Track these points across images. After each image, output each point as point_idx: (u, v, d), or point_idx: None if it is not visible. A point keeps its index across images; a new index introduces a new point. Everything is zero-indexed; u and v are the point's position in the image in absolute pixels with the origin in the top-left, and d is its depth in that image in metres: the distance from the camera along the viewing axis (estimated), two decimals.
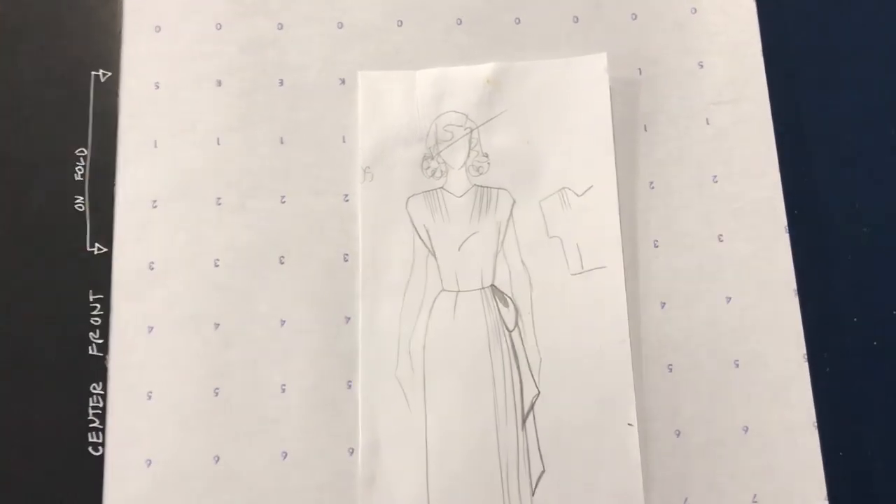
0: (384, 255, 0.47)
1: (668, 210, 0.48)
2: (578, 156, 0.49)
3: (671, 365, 0.46)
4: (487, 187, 0.49)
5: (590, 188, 0.48)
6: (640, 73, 0.51)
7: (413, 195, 0.48)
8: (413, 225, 0.48)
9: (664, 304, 0.47)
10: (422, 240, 0.48)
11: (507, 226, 0.48)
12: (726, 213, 0.48)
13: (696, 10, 0.51)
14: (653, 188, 0.49)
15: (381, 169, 0.48)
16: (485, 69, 0.49)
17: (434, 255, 0.47)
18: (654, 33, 0.51)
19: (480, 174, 0.49)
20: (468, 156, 0.49)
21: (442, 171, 0.49)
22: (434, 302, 0.47)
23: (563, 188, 0.48)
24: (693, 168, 0.49)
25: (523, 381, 0.46)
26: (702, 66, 0.51)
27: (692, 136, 0.50)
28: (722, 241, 0.48)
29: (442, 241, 0.48)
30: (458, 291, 0.47)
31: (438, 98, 0.49)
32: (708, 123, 0.50)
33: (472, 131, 0.49)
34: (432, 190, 0.48)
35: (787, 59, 0.51)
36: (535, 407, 0.46)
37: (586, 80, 0.49)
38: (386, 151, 0.48)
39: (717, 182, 0.49)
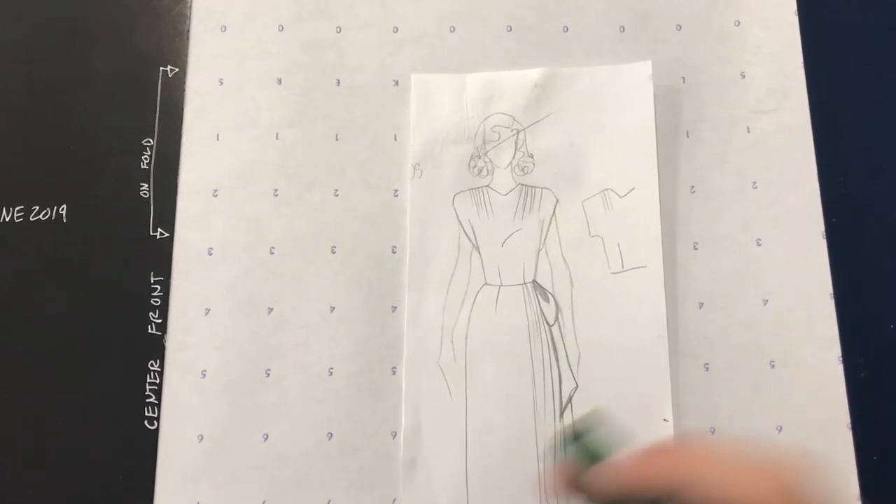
0: (430, 248, 0.50)
1: (708, 214, 0.51)
2: (621, 159, 0.51)
3: (707, 364, 0.48)
4: (532, 186, 0.51)
5: (632, 190, 0.51)
6: (684, 81, 0.53)
7: (460, 192, 0.51)
8: (459, 220, 0.51)
9: (702, 304, 0.49)
10: (467, 235, 0.50)
11: (549, 224, 0.51)
12: (765, 219, 0.50)
13: (739, 23, 0.54)
14: (694, 192, 0.51)
15: (430, 166, 0.51)
16: (533, 74, 0.53)
17: (478, 249, 0.50)
18: (697, 44, 0.54)
19: (525, 174, 0.52)
20: (514, 156, 0.52)
21: (488, 170, 0.52)
22: (477, 295, 0.49)
23: (606, 189, 0.51)
24: (733, 174, 0.52)
25: (562, 374, 0.48)
26: (744, 77, 0.53)
27: (733, 143, 0.52)
28: (760, 245, 0.50)
29: (486, 237, 0.50)
30: (501, 286, 0.49)
31: (487, 100, 0.52)
32: (749, 131, 0.52)
33: (518, 133, 0.52)
34: (478, 188, 0.51)
35: (827, 70, 0.53)
36: (573, 399, 0.48)
37: (631, 87, 0.52)
38: (435, 150, 0.52)
39: (756, 188, 0.51)
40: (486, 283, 0.49)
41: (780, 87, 0.53)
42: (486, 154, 0.51)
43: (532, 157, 0.51)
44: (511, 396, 0.48)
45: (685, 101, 0.53)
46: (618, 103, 0.52)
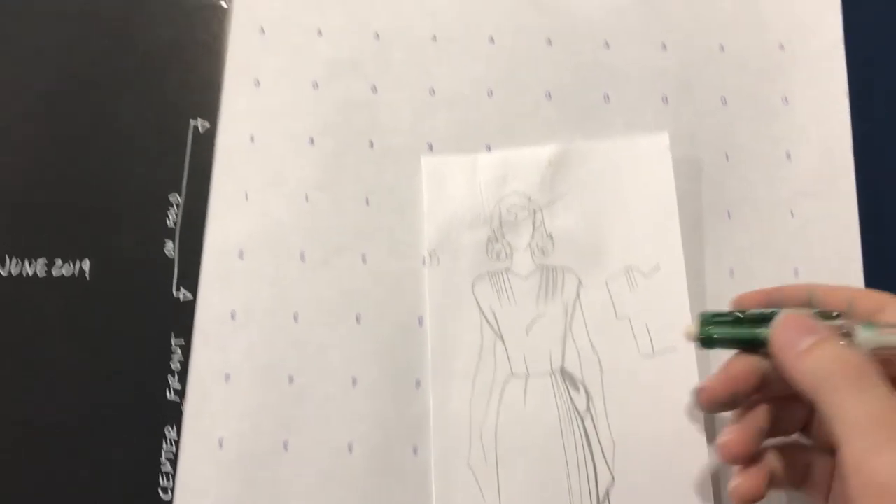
0: (452, 340, 0.49)
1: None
2: (643, 235, 0.50)
3: None
4: (553, 268, 0.50)
5: (657, 268, 0.49)
6: (727, 158, 0.52)
7: (479, 277, 0.50)
8: (480, 309, 0.49)
9: None
10: (489, 324, 0.49)
11: (574, 307, 0.49)
12: None
13: (787, 101, 0.53)
14: (733, 276, 0.50)
15: (446, 253, 0.50)
16: (546, 151, 0.51)
17: (502, 339, 0.49)
18: (743, 120, 0.53)
19: (545, 255, 0.50)
20: (532, 237, 0.50)
21: (507, 253, 0.50)
22: (504, 387, 0.48)
23: (630, 268, 0.50)
24: (775, 259, 0.50)
25: (597, 467, 0.47)
26: (790, 157, 0.52)
27: (776, 226, 0.51)
28: None
29: (509, 325, 0.49)
30: (528, 376, 0.48)
31: (501, 181, 0.51)
32: (793, 215, 0.51)
33: (535, 213, 0.51)
34: (497, 272, 0.50)
35: (877, 156, 0.51)
36: (611, 494, 0.46)
37: (649, 160, 0.51)
38: (451, 235, 0.50)
39: (797, 276, 0.50)
40: (513, 374, 0.48)
41: (828, 171, 0.51)
42: (503, 236, 0.50)
43: (551, 237, 0.50)
44: (546, 494, 0.47)
45: (728, 179, 0.52)
46: (636, 177, 0.51)
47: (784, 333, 0.36)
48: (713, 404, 0.40)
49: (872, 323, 0.35)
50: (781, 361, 0.36)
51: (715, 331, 0.41)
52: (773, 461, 0.39)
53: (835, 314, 0.37)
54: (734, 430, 0.39)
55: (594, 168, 0.51)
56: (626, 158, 0.51)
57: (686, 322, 0.47)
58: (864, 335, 0.35)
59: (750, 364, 0.39)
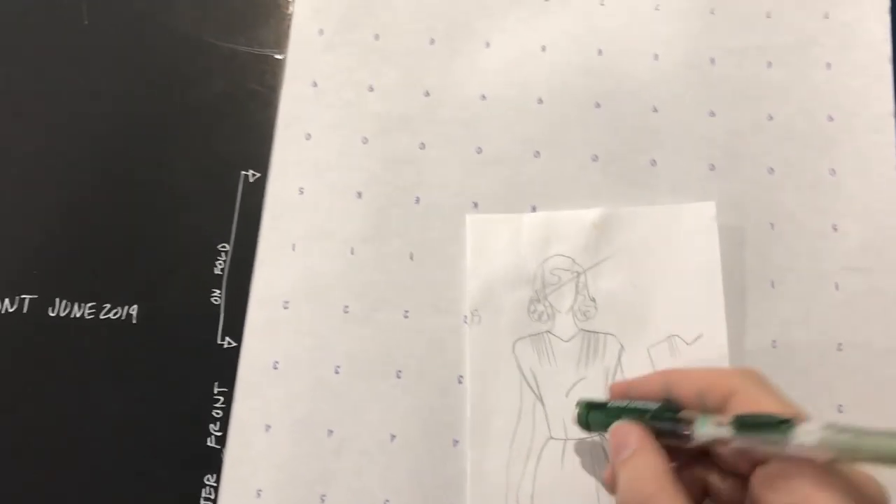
0: (492, 401, 0.49)
1: (790, 372, 0.50)
2: (687, 303, 0.50)
3: None
4: (595, 332, 0.50)
5: (699, 337, 0.50)
6: (773, 227, 0.52)
7: (520, 339, 0.50)
8: (520, 369, 0.50)
9: None
10: (529, 385, 0.49)
11: (615, 372, 0.50)
12: (848, 385, 0.49)
13: (834, 172, 0.53)
14: (775, 347, 0.50)
15: (488, 312, 0.51)
16: (591, 214, 0.52)
17: (542, 401, 0.49)
18: (789, 190, 0.53)
19: (587, 319, 0.51)
20: (575, 300, 0.51)
21: (549, 315, 0.51)
22: (542, 450, 0.48)
23: (672, 335, 0.50)
24: (817, 332, 0.50)
25: None
26: (836, 229, 0.52)
27: (819, 299, 0.51)
28: (842, 412, 0.49)
29: (549, 387, 0.49)
30: (566, 439, 0.48)
31: (545, 242, 0.52)
32: (837, 289, 0.51)
33: (578, 276, 0.51)
34: (539, 333, 0.50)
35: None
36: None
37: (694, 228, 0.51)
38: (493, 295, 0.51)
39: (841, 350, 0.50)
40: (552, 438, 0.48)
41: (874, 246, 0.51)
42: (545, 298, 0.51)
43: (594, 301, 0.51)
44: None
45: (773, 249, 0.52)
46: (681, 245, 0.51)
47: (612, 443, 0.40)
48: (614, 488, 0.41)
49: (707, 416, 0.37)
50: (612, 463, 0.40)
51: (591, 417, 0.44)
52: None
53: (678, 415, 0.39)
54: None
55: (639, 233, 0.51)
56: (671, 225, 0.51)
57: None
58: (698, 431, 0.37)
59: None
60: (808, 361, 0.50)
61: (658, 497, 0.35)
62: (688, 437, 0.38)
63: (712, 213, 0.51)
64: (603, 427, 0.43)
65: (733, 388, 0.38)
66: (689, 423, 0.38)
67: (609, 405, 0.43)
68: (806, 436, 0.33)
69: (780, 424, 0.34)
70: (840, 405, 0.49)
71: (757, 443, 0.35)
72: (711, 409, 0.38)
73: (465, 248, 0.52)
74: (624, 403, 0.42)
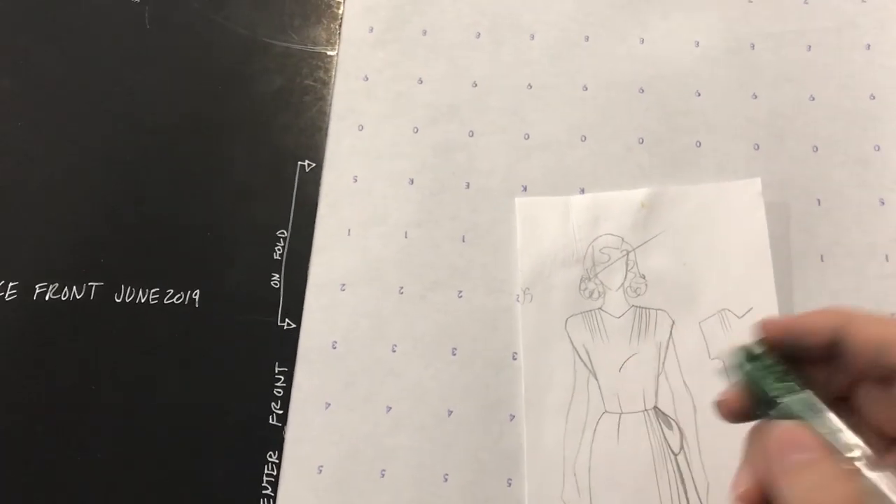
0: (546, 376, 0.51)
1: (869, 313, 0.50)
2: (736, 278, 0.51)
3: None
4: (646, 308, 0.52)
5: (750, 310, 0.51)
6: (819, 203, 0.53)
7: (572, 315, 0.52)
8: (573, 345, 0.51)
9: None
10: (582, 361, 0.51)
11: (667, 347, 0.51)
12: None
13: (879, 148, 0.54)
14: None
15: (539, 290, 0.52)
16: (638, 194, 0.53)
17: (595, 376, 0.50)
18: (834, 166, 0.54)
19: (638, 295, 0.52)
20: (625, 277, 0.52)
21: (600, 293, 0.52)
22: (597, 424, 0.49)
23: (723, 310, 0.51)
24: (869, 303, 0.51)
25: None
26: (883, 203, 0.53)
27: (869, 271, 0.52)
28: None
29: (602, 362, 0.51)
30: (621, 413, 0.49)
31: (594, 222, 0.53)
32: (887, 260, 0.52)
33: (628, 254, 0.53)
34: (591, 311, 0.52)
35: None
36: None
37: (741, 205, 0.53)
38: (544, 273, 0.52)
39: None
40: (606, 411, 0.49)
41: None
42: (596, 276, 0.52)
43: (644, 277, 0.52)
44: None
45: (821, 224, 0.53)
46: (728, 221, 0.52)
47: (776, 444, 0.32)
48: (735, 416, 0.36)
49: (883, 466, 0.30)
50: (771, 471, 0.31)
51: (748, 368, 0.35)
52: None
53: (853, 450, 0.31)
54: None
55: (686, 211, 0.53)
56: (718, 202, 0.53)
57: None
58: (867, 478, 0.30)
59: None
60: None
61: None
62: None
63: (758, 189, 0.52)
64: (758, 386, 0.34)
65: None
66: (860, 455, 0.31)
67: (772, 368, 0.35)
68: None
69: None
70: None
71: None
72: (887, 369, 0.32)
73: (514, 231, 0.54)
74: (789, 383, 0.34)
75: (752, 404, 0.35)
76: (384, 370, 0.52)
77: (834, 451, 0.30)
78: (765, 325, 0.36)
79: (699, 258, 0.51)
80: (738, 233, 0.51)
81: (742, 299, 0.50)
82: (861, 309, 0.34)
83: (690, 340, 0.50)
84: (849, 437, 0.31)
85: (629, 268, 0.52)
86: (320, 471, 0.50)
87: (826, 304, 0.49)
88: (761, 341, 0.35)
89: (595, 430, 0.49)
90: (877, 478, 0.29)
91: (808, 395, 0.33)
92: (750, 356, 0.35)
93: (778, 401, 0.33)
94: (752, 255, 0.51)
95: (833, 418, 0.32)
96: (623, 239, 0.52)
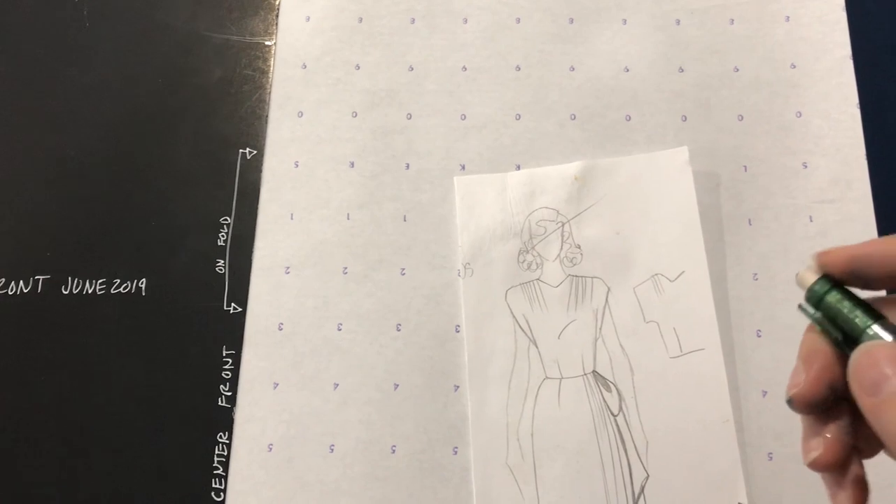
0: (488, 346, 0.52)
1: (771, 302, 0.52)
2: (668, 243, 0.54)
3: (771, 453, 0.49)
4: (582, 276, 0.54)
5: (681, 274, 0.53)
6: (746, 170, 0.56)
7: (511, 287, 0.54)
8: (513, 315, 0.53)
9: (765, 392, 0.50)
10: (522, 330, 0.53)
11: (603, 313, 0.53)
12: None
13: (800, 114, 0.56)
14: (756, 280, 0.53)
15: (480, 265, 0.54)
16: (572, 167, 0.55)
17: (535, 344, 0.52)
18: (759, 134, 0.56)
19: (574, 265, 0.54)
20: (561, 248, 0.54)
21: (537, 264, 0.54)
22: (538, 389, 0.51)
23: (656, 274, 0.53)
24: (796, 263, 0.53)
25: (631, 464, 0.49)
26: (806, 167, 0.55)
27: (796, 232, 0.54)
28: None
29: (542, 330, 0.52)
30: (561, 378, 0.51)
31: (530, 196, 0.55)
32: (811, 221, 0.54)
33: (563, 225, 0.55)
34: (529, 282, 0.54)
35: (890, 162, 0.55)
36: (646, 490, 0.49)
37: (670, 173, 0.55)
38: (483, 248, 0.54)
39: None
40: (547, 377, 0.51)
41: (843, 178, 0.55)
42: (533, 248, 0.54)
43: (579, 247, 0.54)
44: (583, 492, 0.49)
45: (748, 190, 0.55)
46: (659, 190, 0.55)
47: (862, 371, 0.28)
48: (810, 407, 0.31)
49: None
50: (860, 402, 0.28)
51: (831, 296, 0.31)
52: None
53: None
54: (820, 442, 0.30)
55: (618, 182, 0.55)
56: (648, 172, 0.55)
57: (712, 324, 0.50)
58: None
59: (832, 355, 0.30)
60: (788, 291, 0.53)
61: None
62: None
63: (685, 158, 0.54)
64: (836, 317, 0.30)
65: None
66: None
67: (847, 299, 0.30)
68: None
69: None
70: None
71: None
72: None
73: (454, 209, 0.55)
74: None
75: (832, 344, 0.30)
76: (330, 348, 0.53)
77: None
78: (825, 258, 0.31)
79: (631, 226, 0.53)
80: (668, 200, 0.53)
81: (674, 263, 0.52)
82: None
83: (625, 305, 0.52)
84: None
85: (565, 239, 0.54)
86: (270, 449, 0.51)
87: (756, 264, 0.52)
88: (824, 277, 0.31)
89: (536, 396, 0.51)
90: None
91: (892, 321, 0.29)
92: (823, 290, 0.31)
93: (868, 331, 0.29)
94: (682, 220, 0.53)
95: None
96: (558, 211, 0.54)
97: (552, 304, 0.52)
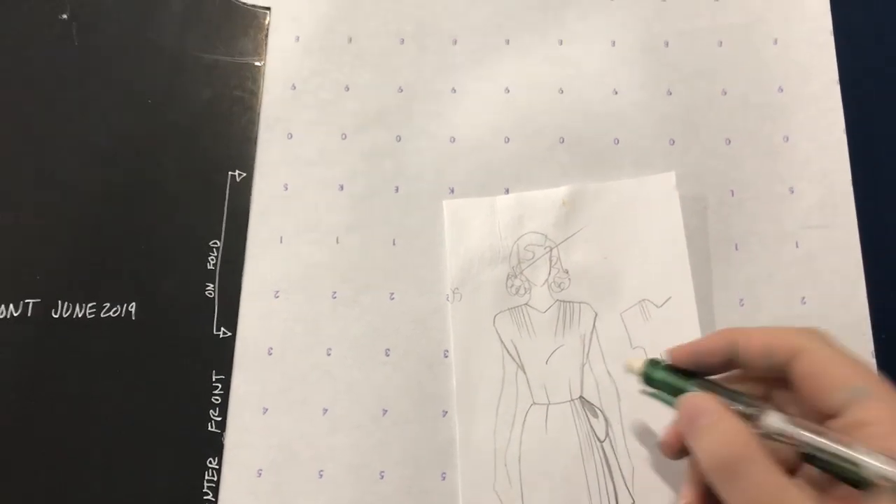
0: (476, 372, 0.53)
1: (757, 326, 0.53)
2: (655, 269, 0.54)
3: None
4: (570, 302, 0.54)
5: (668, 299, 0.53)
6: (733, 194, 0.56)
7: (500, 312, 0.54)
8: (501, 341, 0.53)
9: None
10: (510, 355, 0.53)
11: (591, 338, 0.53)
12: None
13: (787, 139, 0.57)
14: (742, 305, 0.54)
15: (468, 289, 0.54)
16: (560, 192, 0.56)
17: (523, 369, 0.53)
18: (746, 158, 0.57)
19: (562, 290, 0.54)
20: (549, 273, 0.55)
21: (525, 289, 0.54)
22: (526, 415, 0.52)
23: (643, 300, 0.53)
24: (782, 288, 0.54)
25: (617, 490, 0.50)
26: (792, 192, 0.56)
27: (782, 257, 0.55)
28: None
29: (530, 356, 0.53)
30: (549, 404, 0.52)
31: (518, 221, 0.56)
32: (797, 246, 0.55)
33: (551, 250, 0.55)
34: (517, 307, 0.54)
35: (876, 189, 0.55)
36: None
37: (657, 198, 0.55)
38: (472, 272, 0.55)
39: (805, 303, 0.53)
40: (534, 403, 0.52)
41: (829, 204, 0.55)
42: (521, 273, 0.54)
43: (567, 272, 0.54)
44: None
45: (735, 214, 0.56)
46: (646, 215, 0.55)
47: (684, 411, 0.40)
48: (678, 453, 0.44)
49: (782, 413, 0.37)
50: (686, 441, 0.39)
51: (657, 374, 0.44)
52: None
53: (746, 403, 0.39)
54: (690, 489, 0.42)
55: (606, 207, 0.55)
56: (635, 197, 0.55)
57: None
58: (768, 421, 0.37)
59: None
60: (775, 316, 0.54)
61: (750, 457, 0.34)
62: (758, 424, 0.37)
63: (672, 183, 0.55)
64: (667, 388, 0.44)
65: (799, 346, 0.38)
66: (760, 412, 0.38)
67: (674, 370, 0.44)
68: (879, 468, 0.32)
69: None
70: None
71: (823, 454, 0.35)
72: (775, 366, 0.39)
73: (443, 232, 0.56)
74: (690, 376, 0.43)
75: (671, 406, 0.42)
76: (319, 373, 0.53)
77: (733, 410, 0.38)
78: (672, 353, 0.44)
79: (619, 251, 0.54)
80: (656, 225, 0.54)
81: (661, 289, 0.53)
82: (749, 328, 0.42)
83: (613, 331, 0.52)
84: (747, 399, 0.39)
85: (553, 263, 0.54)
86: (260, 474, 0.52)
87: (742, 290, 0.52)
88: (650, 361, 0.45)
89: (524, 422, 0.51)
90: (773, 418, 0.37)
91: (706, 380, 0.42)
92: (654, 365, 0.45)
93: (687, 389, 0.42)
94: (669, 246, 0.53)
95: (731, 388, 0.41)
96: (546, 236, 0.54)
97: (540, 330, 0.53)
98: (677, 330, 0.51)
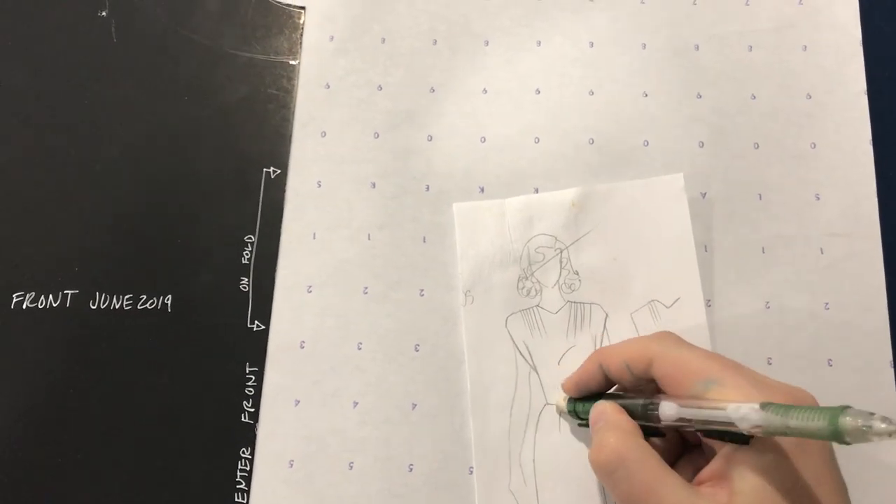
0: (489, 373, 0.54)
1: (782, 330, 0.54)
2: (663, 269, 0.55)
3: None
4: (580, 303, 0.55)
5: (677, 300, 0.54)
6: (760, 198, 0.57)
7: (512, 314, 0.55)
8: (514, 342, 0.54)
9: None
10: (523, 356, 0.54)
11: (601, 338, 0.54)
12: (836, 340, 0.53)
13: (815, 146, 0.58)
14: (769, 308, 0.55)
15: (480, 291, 0.56)
16: (569, 193, 0.57)
17: (536, 370, 0.54)
18: (773, 163, 0.58)
19: (573, 291, 0.55)
20: (560, 275, 0.56)
21: (536, 290, 0.56)
22: (539, 416, 0.53)
23: (652, 300, 0.54)
24: (806, 294, 0.55)
25: None
26: (818, 198, 0.57)
27: (806, 263, 0.56)
28: (831, 365, 0.53)
29: (542, 357, 0.54)
30: None
31: (528, 223, 0.57)
32: (822, 253, 0.56)
33: (561, 252, 0.56)
34: (529, 308, 0.55)
35: None
36: None
37: (665, 199, 0.56)
38: (483, 275, 0.56)
39: (828, 309, 0.54)
40: (548, 403, 0.53)
41: (853, 212, 0.56)
42: (532, 275, 0.55)
43: (577, 274, 0.55)
44: None
45: (762, 218, 0.57)
46: (655, 216, 0.56)
47: (591, 421, 0.46)
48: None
49: (672, 399, 0.40)
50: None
51: (577, 406, 0.50)
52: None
53: (643, 400, 0.43)
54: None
55: (614, 208, 0.56)
56: (644, 198, 0.56)
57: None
58: (664, 411, 0.40)
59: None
60: (799, 320, 0.55)
61: (629, 453, 0.40)
62: (658, 418, 0.41)
63: (681, 184, 0.56)
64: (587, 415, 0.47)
65: (652, 353, 0.43)
66: (656, 407, 0.41)
67: (590, 398, 0.49)
68: (745, 417, 0.35)
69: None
70: (829, 359, 0.54)
71: (711, 424, 0.38)
72: (638, 376, 0.44)
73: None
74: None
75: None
76: (350, 367, 0.55)
77: (623, 412, 0.44)
78: (564, 387, 0.51)
79: (628, 252, 0.55)
80: (664, 226, 0.55)
81: (670, 290, 0.54)
82: (613, 344, 0.49)
83: (623, 331, 0.54)
84: (644, 399, 0.42)
85: (563, 265, 0.55)
86: (291, 465, 0.53)
87: (768, 292, 0.53)
88: (570, 399, 0.51)
89: (538, 421, 0.53)
90: (666, 406, 0.40)
91: (612, 394, 0.48)
92: (573, 400, 0.50)
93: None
94: (678, 247, 0.54)
95: (631, 395, 0.45)
96: (556, 238, 0.56)
97: (552, 331, 0.54)
98: (686, 330, 0.52)
